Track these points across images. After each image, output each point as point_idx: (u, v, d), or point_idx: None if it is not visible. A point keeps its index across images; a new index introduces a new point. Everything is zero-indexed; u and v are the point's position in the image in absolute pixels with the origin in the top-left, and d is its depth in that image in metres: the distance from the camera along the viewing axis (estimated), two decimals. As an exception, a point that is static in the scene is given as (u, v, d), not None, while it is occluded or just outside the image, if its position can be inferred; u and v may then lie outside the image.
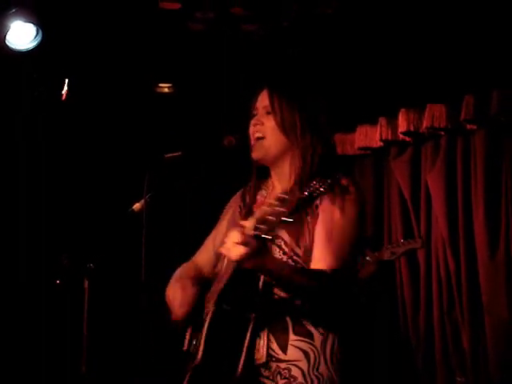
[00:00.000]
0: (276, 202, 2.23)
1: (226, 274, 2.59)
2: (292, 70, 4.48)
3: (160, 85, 5.10)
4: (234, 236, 2.28)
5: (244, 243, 2.27)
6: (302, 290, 2.51)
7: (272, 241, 2.35)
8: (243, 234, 2.27)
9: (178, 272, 2.83)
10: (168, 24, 4.33)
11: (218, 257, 2.75)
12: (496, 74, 4.32)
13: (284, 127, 2.67)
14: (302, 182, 2.56)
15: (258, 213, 2.31)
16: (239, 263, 2.35)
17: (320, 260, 2.53)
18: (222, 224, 2.87)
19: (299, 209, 2.24)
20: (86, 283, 3.30)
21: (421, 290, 4.80)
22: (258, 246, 2.30)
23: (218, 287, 2.61)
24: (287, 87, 2.75)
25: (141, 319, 2.90)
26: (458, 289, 4.59)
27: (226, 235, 2.75)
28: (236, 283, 2.56)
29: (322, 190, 2.29)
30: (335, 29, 4.33)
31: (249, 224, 2.28)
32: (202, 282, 2.76)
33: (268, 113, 2.70)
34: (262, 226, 2.25)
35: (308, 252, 2.57)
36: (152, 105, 4.98)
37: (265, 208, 2.26)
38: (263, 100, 2.73)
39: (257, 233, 2.26)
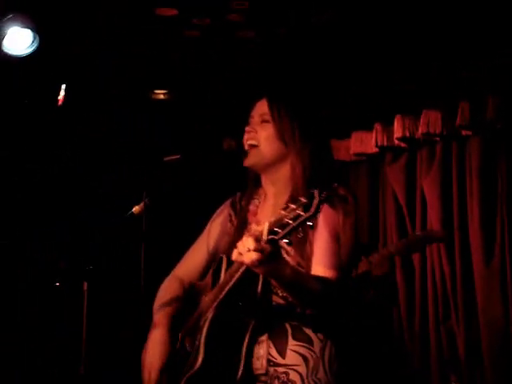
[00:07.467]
0: (294, 206, 2.16)
1: (230, 281, 2.50)
2: (290, 79, 4.50)
3: (156, 91, 5.10)
4: (248, 242, 2.20)
5: (259, 250, 2.20)
6: (309, 297, 2.47)
7: (290, 244, 2.26)
8: (258, 239, 2.20)
9: (160, 300, 2.80)
10: (164, 30, 4.33)
11: (211, 264, 2.75)
12: (492, 80, 4.33)
13: (282, 135, 2.65)
14: (299, 190, 2.52)
15: (272, 217, 2.24)
16: (252, 268, 2.28)
17: (323, 262, 2.52)
18: (210, 234, 2.85)
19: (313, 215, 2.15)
20: (85, 285, 3.29)
21: (416, 295, 4.81)
22: (273, 252, 2.23)
23: (218, 294, 2.55)
24: (286, 96, 2.74)
25: (140, 321, 2.90)
26: (453, 295, 4.59)
27: (219, 245, 2.77)
28: (236, 290, 2.51)
29: (321, 199, 2.20)
30: (331, 36, 4.34)
31: (264, 229, 2.21)
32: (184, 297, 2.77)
33: (263, 121, 2.69)
34: (278, 230, 2.19)
35: (311, 262, 2.55)
36: (149, 110, 4.98)
37: (281, 212, 2.18)
38: (260, 108, 2.71)
39: (272, 237, 2.20)
